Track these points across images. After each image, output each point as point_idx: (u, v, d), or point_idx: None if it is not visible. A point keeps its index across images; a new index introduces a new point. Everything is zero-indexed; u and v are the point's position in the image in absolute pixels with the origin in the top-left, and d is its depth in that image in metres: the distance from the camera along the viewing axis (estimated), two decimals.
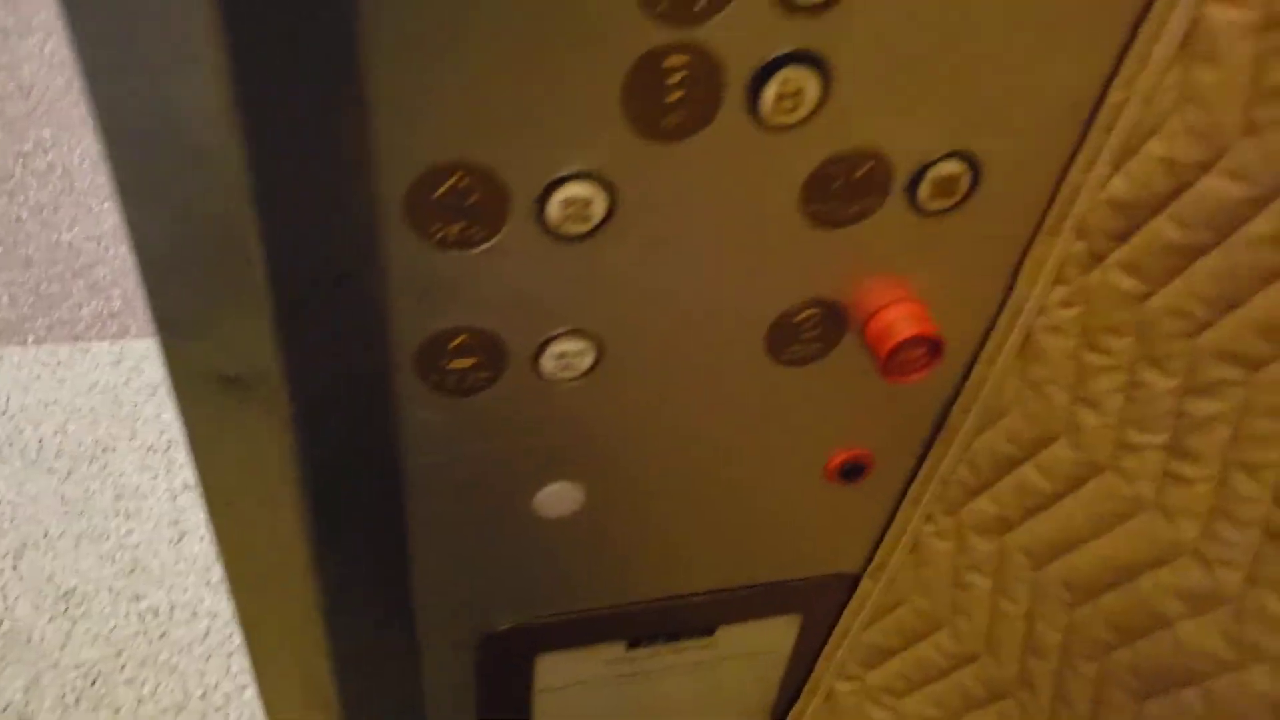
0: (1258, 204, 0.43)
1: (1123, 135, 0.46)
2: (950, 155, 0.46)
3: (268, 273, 0.41)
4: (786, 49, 0.40)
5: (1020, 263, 0.51)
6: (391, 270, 0.43)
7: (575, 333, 0.48)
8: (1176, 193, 0.45)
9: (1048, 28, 0.43)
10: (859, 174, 0.45)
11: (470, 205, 0.42)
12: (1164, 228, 0.46)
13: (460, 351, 0.47)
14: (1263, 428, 0.45)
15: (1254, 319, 0.44)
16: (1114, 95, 0.45)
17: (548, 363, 0.48)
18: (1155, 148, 0.45)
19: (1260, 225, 0.43)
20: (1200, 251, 0.45)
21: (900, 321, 0.50)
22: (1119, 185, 0.47)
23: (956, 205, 0.47)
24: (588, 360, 0.49)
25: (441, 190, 0.41)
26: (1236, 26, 0.41)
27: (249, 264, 0.41)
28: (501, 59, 0.38)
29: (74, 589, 1.69)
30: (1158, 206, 0.46)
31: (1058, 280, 0.51)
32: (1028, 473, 0.56)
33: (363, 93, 0.38)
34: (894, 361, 0.51)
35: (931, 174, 0.46)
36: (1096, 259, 0.49)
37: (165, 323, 0.44)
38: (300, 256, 0.41)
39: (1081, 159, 0.47)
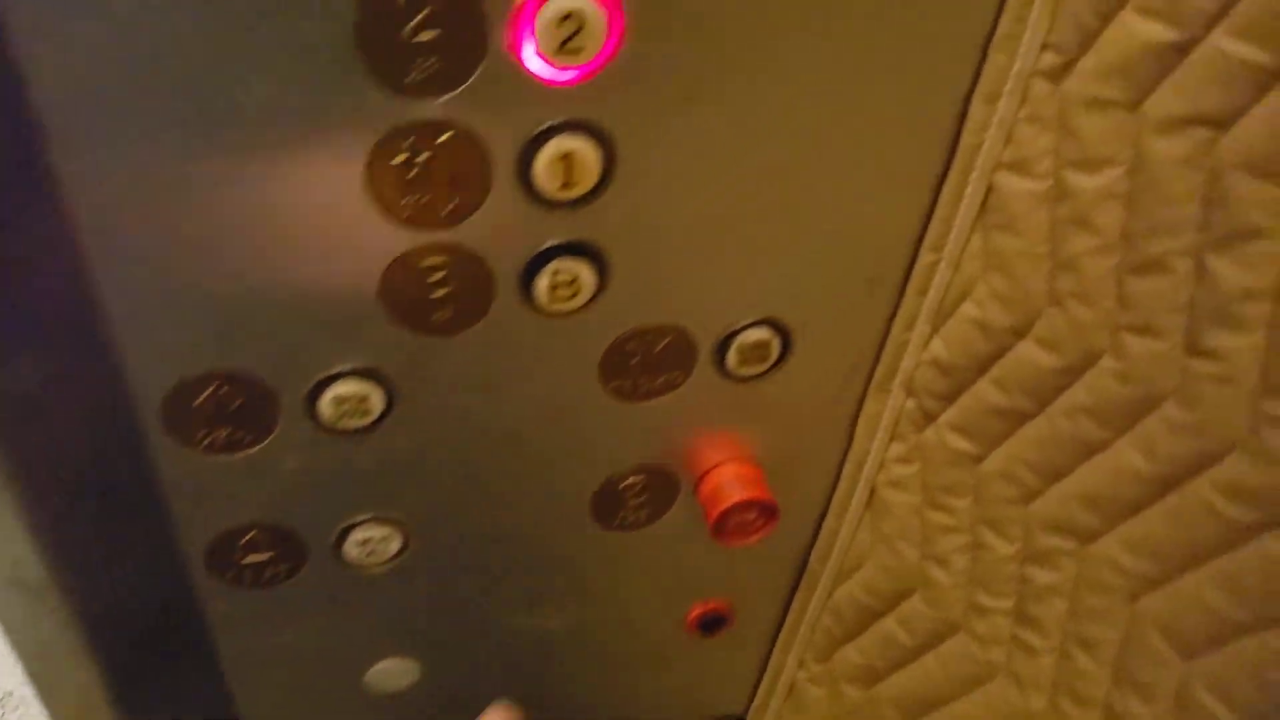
0: (1071, 374, 0.40)
1: (937, 297, 0.43)
2: (757, 323, 0.43)
3: (23, 489, 0.39)
4: (552, 242, 0.38)
5: (856, 418, 0.49)
6: (163, 479, 0.40)
7: (376, 520, 0.45)
8: (995, 357, 0.43)
9: (846, 194, 0.41)
10: (658, 349, 0.43)
11: (235, 411, 0.39)
12: (987, 391, 0.44)
13: (253, 547, 0.44)
14: (1095, 603, 0.42)
15: (1080, 491, 0.42)
16: (924, 258, 0.43)
17: (351, 550, 0.46)
18: (969, 310, 0.43)
19: (1078, 396, 0.41)
20: (1024, 418, 0.43)
21: (728, 486, 0.48)
22: (939, 347, 0.44)
23: (772, 369, 0.45)
24: (394, 545, 0.46)
25: (200, 399, 0.39)
26: (1029, 196, 0.39)
27: (5, 482, 0.39)
28: (244, 271, 0.36)
29: None
30: (979, 369, 0.44)
31: (894, 437, 0.48)
32: (889, 625, 0.54)
33: (99, 312, 0.36)
34: (726, 525, 0.48)
35: (738, 342, 0.44)
36: (929, 418, 0.47)
37: None
38: (60, 471, 0.39)
39: (901, 318, 0.45)
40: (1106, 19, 0.34)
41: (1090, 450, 0.41)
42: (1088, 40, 0.35)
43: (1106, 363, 0.39)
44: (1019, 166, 0.38)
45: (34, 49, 0.30)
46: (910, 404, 0.47)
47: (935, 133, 0.40)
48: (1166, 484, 0.38)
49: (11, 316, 0.34)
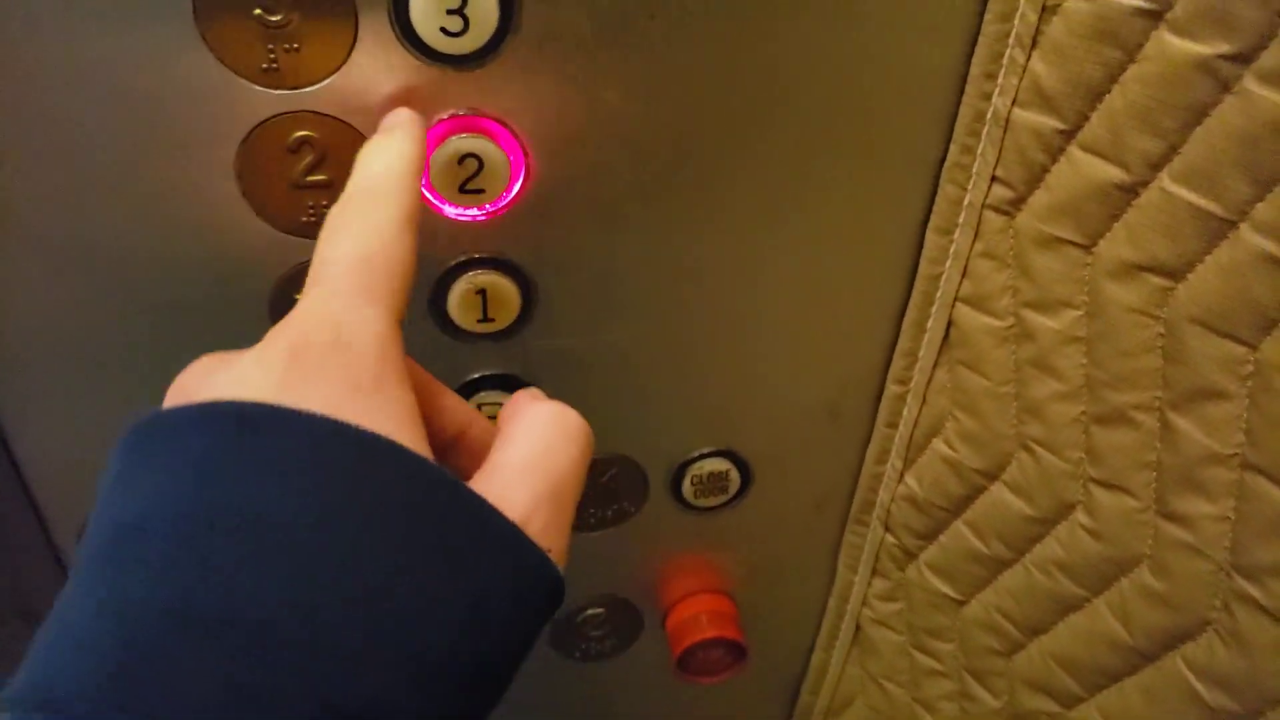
0: (1044, 524, 0.37)
1: (906, 431, 0.40)
2: (712, 454, 0.41)
3: None
4: (476, 375, 0.37)
5: (836, 550, 0.46)
6: None
7: None
8: (969, 499, 0.39)
9: (800, 323, 0.38)
10: (604, 479, 0.41)
11: None
12: (964, 534, 0.40)
13: None
14: None
15: (1060, 651, 0.38)
16: (890, 389, 0.40)
17: None
18: (940, 448, 0.39)
19: (1052, 548, 0.37)
20: (1002, 565, 0.39)
21: (693, 621, 0.45)
22: (913, 483, 0.41)
23: (734, 499, 0.42)
24: None
25: None
26: (990, 334, 0.35)
27: None
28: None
29: None
30: (954, 510, 0.40)
31: (876, 572, 0.45)
32: None
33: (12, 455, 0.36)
34: (690, 663, 0.45)
35: (693, 473, 0.41)
36: (909, 555, 0.43)
37: None
38: None
39: (872, 451, 0.42)
40: (1054, 155, 0.31)
41: (1068, 608, 0.37)
42: (1036, 176, 0.32)
43: (1079, 517, 0.35)
44: (978, 302, 0.35)
45: None
46: (890, 539, 0.43)
47: (894, 261, 0.37)
48: (1144, 656, 0.34)
49: None
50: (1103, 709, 0.37)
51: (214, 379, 0.22)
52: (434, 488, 0.21)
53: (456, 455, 0.27)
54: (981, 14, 0.31)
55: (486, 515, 0.21)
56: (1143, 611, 0.34)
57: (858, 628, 0.47)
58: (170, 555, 0.19)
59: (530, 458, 0.24)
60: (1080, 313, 0.32)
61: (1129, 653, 0.35)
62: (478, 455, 0.25)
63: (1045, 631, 0.38)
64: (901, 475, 0.41)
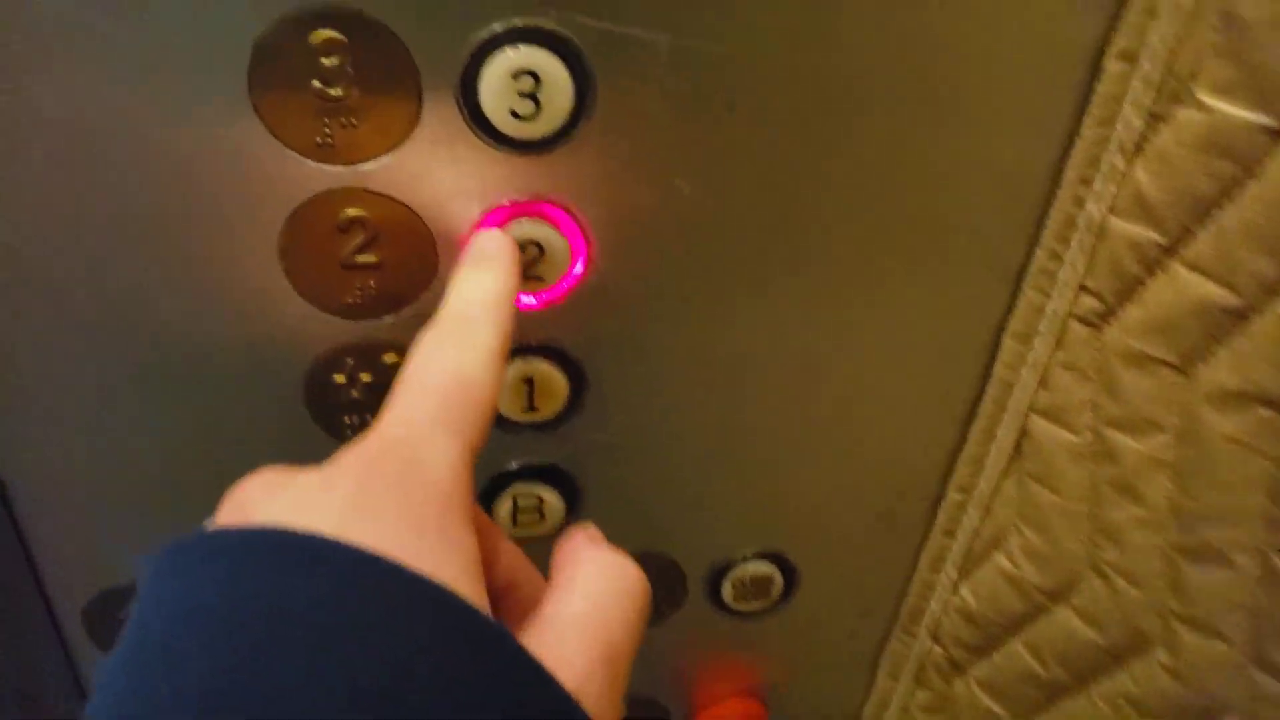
0: (1116, 656, 0.34)
1: (965, 541, 0.38)
2: (756, 556, 0.39)
3: None
4: (513, 465, 0.34)
5: (877, 658, 0.43)
6: (86, 684, 0.38)
7: None
8: (1029, 618, 0.37)
9: (860, 426, 0.36)
10: None
11: None
12: (1021, 654, 0.37)
13: None
14: None
15: None
16: (951, 496, 0.37)
17: None
18: (1001, 562, 0.37)
19: (1123, 683, 0.34)
20: (1062, 691, 0.37)
21: None
22: (968, 595, 0.38)
23: (777, 604, 0.40)
24: None
25: (124, 612, 0.36)
26: (1067, 449, 0.33)
27: None
28: (174, 485, 0.33)
29: None
30: (1011, 628, 0.38)
31: (919, 683, 0.42)
32: None
33: (19, 530, 0.33)
34: None
35: (734, 575, 0.39)
36: (957, 668, 0.41)
37: None
38: None
39: (926, 557, 0.39)
40: (1151, 269, 0.29)
41: None
42: (1130, 289, 0.30)
43: (1159, 654, 0.33)
44: (1055, 414, 0.33)
45: None
46: (937, 650, 0.41)
47: (966, 364, 0.35)
48: None
49: None
50: None
51: (275, 500, 0.20)
52: (492, 647, 0.19)
53: (506, 605, 0.25)
54: (1081, 116, 0.29)
55: (544, 682, 0.19)
56: None
57: None
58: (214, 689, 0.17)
59: (588, 615, 0.21)
60: (1170, 437, 0.30)
61: None
62: (526, 606, 0.23)
63: None
64: (956, 586, 0.39)
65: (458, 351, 0.23)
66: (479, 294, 0.25)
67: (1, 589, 0.35)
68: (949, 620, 0.40)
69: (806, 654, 0.43)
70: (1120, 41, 0.28)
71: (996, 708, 0.39)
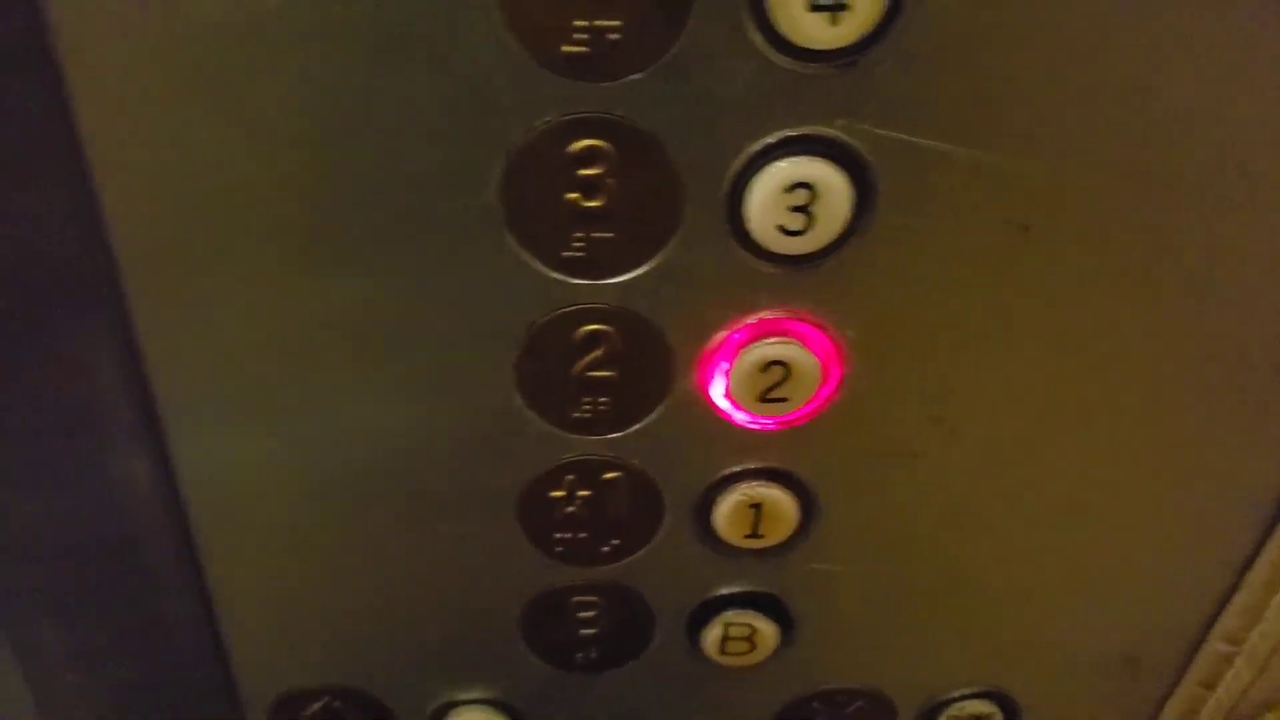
0: None
1: (1229, 699, 0.33)
2: (975, 695, 0.35)
3: None
4: (726, 592, 0.32)
5: None
6: None
7: None
8: None
9: (1101, 559, 0.32)
10: (848, 711, 0.35)
11: None
12: None
13: None
14: None
15: None
16: (1213, 646, 0.33)
17: None
18: None
19: None
20: None
21: None
22: None
23: None
24: None
25: (310, 711, 0.34)
26: None
27: None
28: (374, 591, 0.31)
29: None
30: None
31: None
32: None
33: (214, 616, 0.32)
34: None
35: (949, 714, 0.35)
36: None
37: None
38: None
39: (1175, 708, 0.35)
40: None
41: None
42: None
43: None
44: None
45: None
46: None
47: (1247, 507, 0.31)
48: None
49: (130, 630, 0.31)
50: None
51: None
52: None
53: None
54: None
55: None
56: None
57: None
58: None
59: None
60: None
61: None
62: None
63: None
64: None
65: None
66: None
67: (191, 682, 0.33)
68: None
69: None
70: None
71: None
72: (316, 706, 0.34)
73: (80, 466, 0.28)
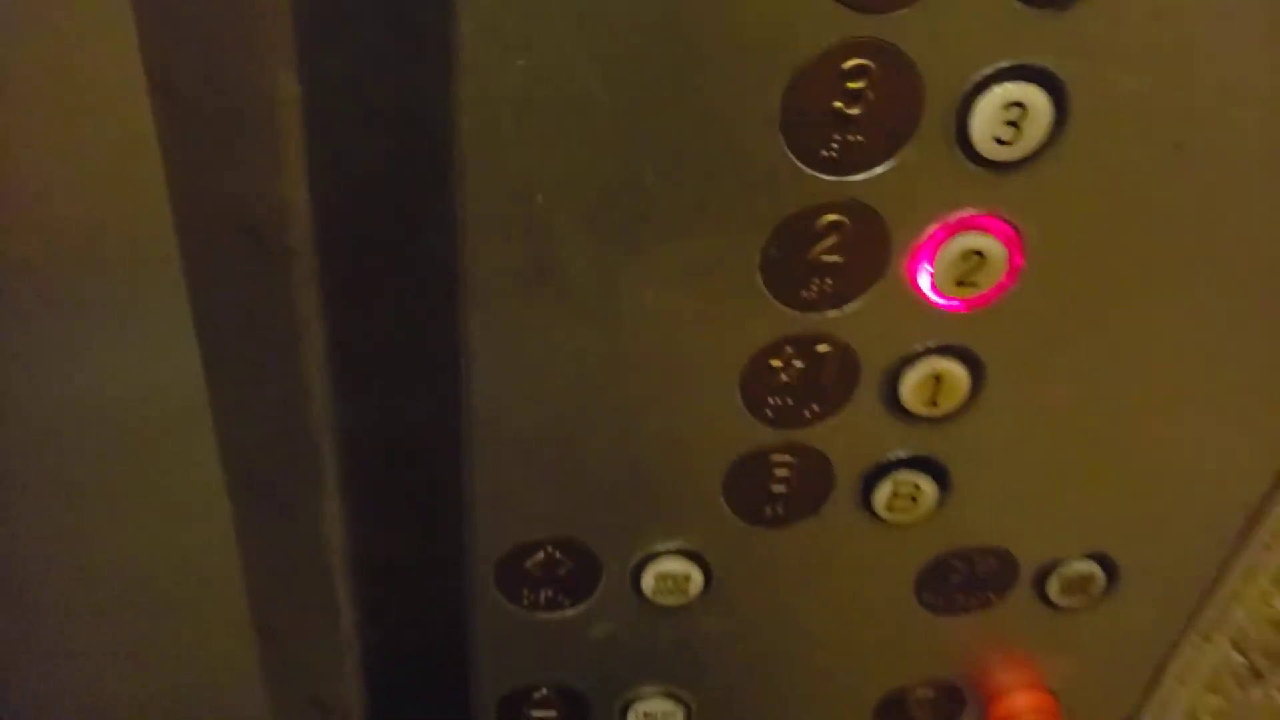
0: None
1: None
2: (1085, 556, 0.42)
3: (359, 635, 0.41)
4: (901, 454, 0.38)
5: (1165, 663, 0.46)
6: (479, 631, 0.42)
7: (665, 695, 0.45)
8: None
9: (1201, 441, 0.39)
10: (980, 569, 0.42)
11: (561, 576, 0.40)
12: None
13: (542, 705, 0.45)
14: None
15: None
16: (1277, 511, 0.40)
17: None
18: None
19: None
20: None
21: (1024, 713, 0.45)
22: None
23: (1092, 603, 0.43)
24: None
25: (532, 562, 0.40)
26: None
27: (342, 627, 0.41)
28: (599, 453, 0.37)
29: None
30: None
31: (1212, 689, 0.45)
32: None
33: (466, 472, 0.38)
34: None
35: (1061, 572, 0.42)
36: (1257, 676, 0.43)
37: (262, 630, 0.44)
38: (391, 620, 0.41)
39: (1239, 568, 0.42)
40: None
41: None
42: None
43: None
44: None
45: None
46: (1238, 659, 0.44)
47: None
48: None
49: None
50: None
51: None
52: None
53: None
54: None
55: None
56: None
57: None
58: None
59: None
60: None
61: None
62: None
63: None
64: (1271, 598, 0.42)
65: None
66: None
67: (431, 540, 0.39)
68: (1257, 630, 0.43)
69: (1103, 653, 0.46)
70: None
71: None
72: (539, 557, 0.40)
73: None
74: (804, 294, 0.34)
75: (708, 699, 0.46)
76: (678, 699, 0.45)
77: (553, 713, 0.45)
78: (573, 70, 0.29)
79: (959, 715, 0.47)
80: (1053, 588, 0.42)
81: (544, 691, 0.44)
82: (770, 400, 0.36)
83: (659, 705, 0.45)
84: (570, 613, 0.42)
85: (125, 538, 0.41)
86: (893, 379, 0.36)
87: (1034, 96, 0.30)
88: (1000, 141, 0.31)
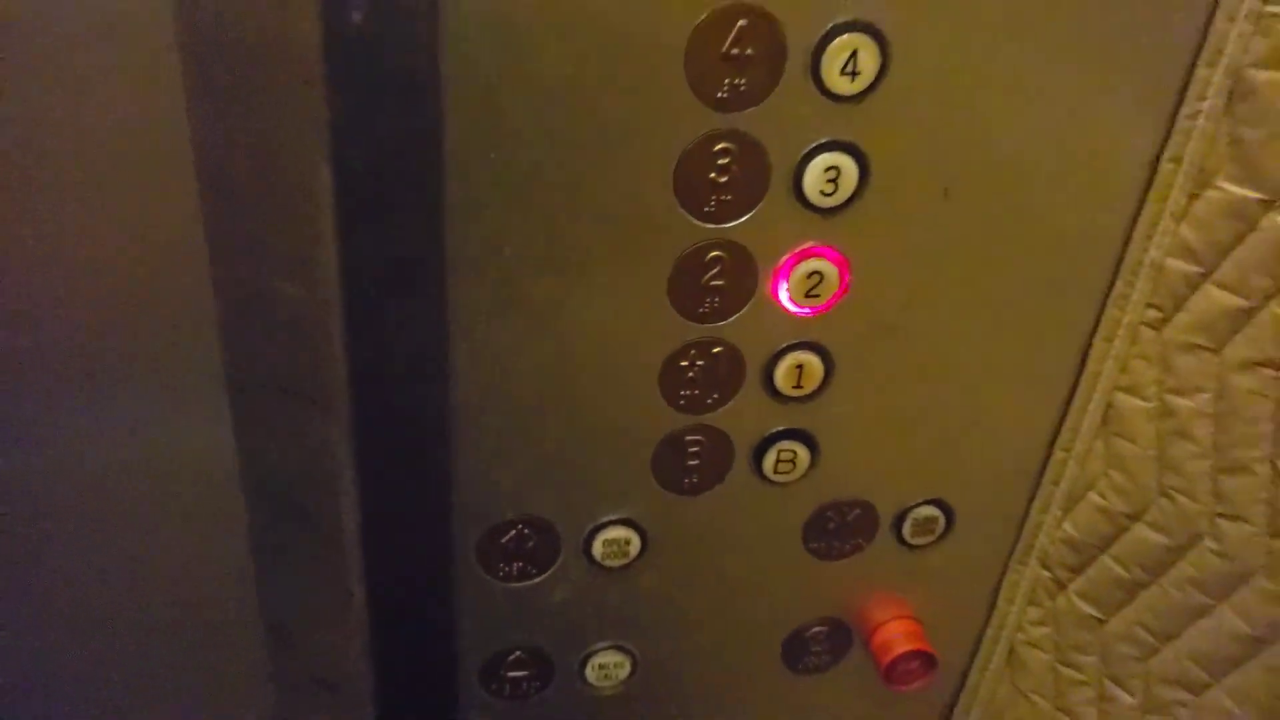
0: (1179, 552, 0.51)
1: (1066, 487, 0.55)
2: (927, 502, 0.55)
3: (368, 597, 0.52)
4: (780, 428, 0.51)
5: (998, 586, 0.60)
6: (463, 602, 0.53)
7: (614, 648, 0.57)
8: (1115, 537, 0.54)
9: (999, 404, 0.53)
10: (850, 518, 0.55)
11: (529, 548, 0.52)
12: (1110, 566, 0.54)
13: (516, 665, 0.56)
14: None
15: (1191, 650, 0.52)
16: (1057, 455, 0.55)
17: (590, 673, 0.57)
18: (1094, 499, 0.54)
19: (1185, 570, 0.51)
20: (1141, 587, 0.54)
21: (897, 638, 0.58)
22: (1070, 528, 0.56)
23: (936, 541, 0.57)
24: (624, 671, 0.57)
25: (506, 538, 0.52)
26: (1141, 413, 0.51)
27: (351, 591, 0.51)
28: (556, 442, 0.50)
29: None
30: (1102, 547, 0.55)
31: (1031, 602, 0.59)
32: None
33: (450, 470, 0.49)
34: (894, 672, 0.58)
35: (912, 517, 0.56)
36: (1060, 586, 0.57)
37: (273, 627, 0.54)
38: (393, 589, 0.52)
39: (1038, 503, 0.57)
40: (1193, 289, 0.47)
41: (1198, 615, 0.51)
42: (1179, 303, 0.48)
43: (1208, 543, 0.50)
44: (1132, 390, 0.51)
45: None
46: (1045, 574, 0.58)
47: (1065, 362, 0.53)
48: (1263, 642, 0.49)
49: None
50: (1230, 690, 0.51)
51: None
52: None
53: None
54: (1143, 199, 0.48)
55: None
56: (1262, 608, 0.48)
57: (1010, 650, 0.61)
58: None
59: None
60: (1210, 395, 0.48)
61: (1251, 642, 0.49)
62: None
63: (1178, 636, 0.52)
64: (1060, 522, 0.56)
65: None
66: None
67: (415, 516, 0.50)
68: (1054, 549, 0.57)
69: (949, 584, 0.59)
70: (1170, 151, 0.47)
71: (1091, 610, 0.56)
72: (511, 534, 0.51)
73: None
74: (700, 310, 0.47)
75: (650, 649, 0.57)
76: (626, 651, 0.57)
77: (525, 672, 0.56)
78: (537, 160, 0.42)
79: (848, 647, 0.60)
80: (907, 530, 0.56)
81: (518, 653, 0.55)
82: (682, 393, 0.49)
83: (610, 658, 0.57)
84: (537, 580, 0.53)
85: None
86: (769, 370, 0.49)
87: (845, 162, 0.45)
88: (825, 194, 0.45)
